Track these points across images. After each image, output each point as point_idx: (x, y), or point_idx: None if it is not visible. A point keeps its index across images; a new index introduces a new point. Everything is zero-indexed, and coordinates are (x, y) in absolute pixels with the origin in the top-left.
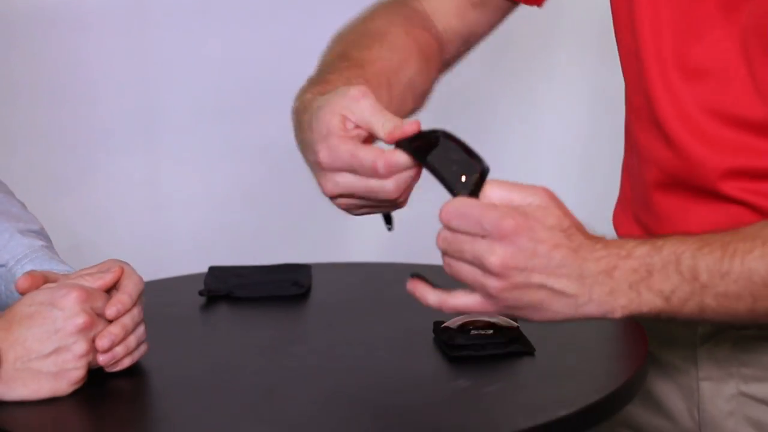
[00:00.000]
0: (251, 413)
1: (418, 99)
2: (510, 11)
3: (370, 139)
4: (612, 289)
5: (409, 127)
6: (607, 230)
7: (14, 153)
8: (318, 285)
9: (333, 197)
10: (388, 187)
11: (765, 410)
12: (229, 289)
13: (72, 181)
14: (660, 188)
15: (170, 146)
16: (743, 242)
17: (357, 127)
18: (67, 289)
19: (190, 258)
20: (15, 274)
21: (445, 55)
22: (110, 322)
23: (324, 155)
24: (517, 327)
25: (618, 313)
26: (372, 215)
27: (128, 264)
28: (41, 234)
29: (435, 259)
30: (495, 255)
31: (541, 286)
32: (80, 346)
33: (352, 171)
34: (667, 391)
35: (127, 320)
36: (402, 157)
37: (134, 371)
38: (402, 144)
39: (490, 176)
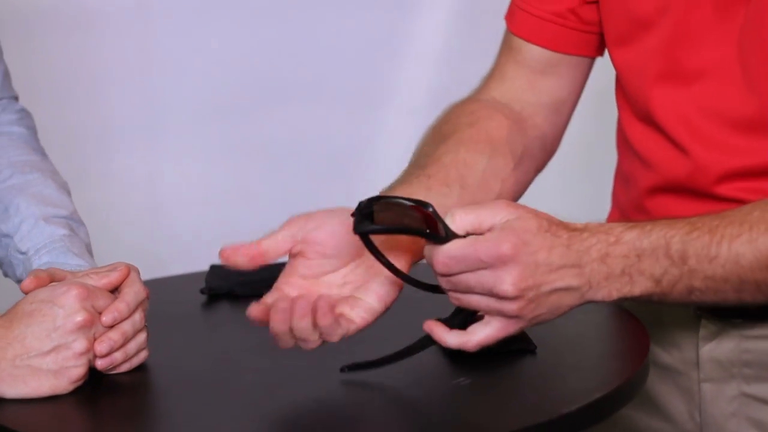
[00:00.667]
0: (252, 411)
1: (507, 178)
2: (589, 66)
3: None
4: (608, 275)
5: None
6: None
7: None
8: None
9: None
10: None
11: (767, 410)
12: (231, 287)
13: (72, 180)
14: (655, 192)
15: (171, 145)
16: (731, 227)
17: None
18: (67, 286)
19: (191, 256)
20: (32, 264)
21: (532, 129)
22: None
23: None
24: None
25: (614, 296)
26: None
27: (136, 269)
28: (69, 219)
29: None
30: (506, 283)
31: (553, 291)
32: (80, 344)
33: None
34: (667, 393)
35: (127, 327)
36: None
37: (135, 369)
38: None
39: None
